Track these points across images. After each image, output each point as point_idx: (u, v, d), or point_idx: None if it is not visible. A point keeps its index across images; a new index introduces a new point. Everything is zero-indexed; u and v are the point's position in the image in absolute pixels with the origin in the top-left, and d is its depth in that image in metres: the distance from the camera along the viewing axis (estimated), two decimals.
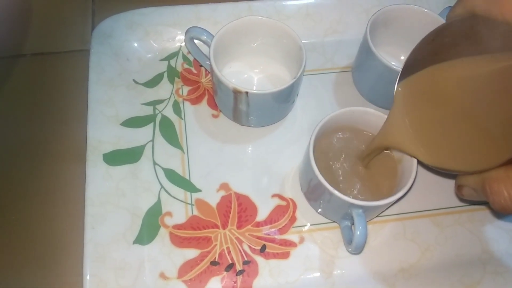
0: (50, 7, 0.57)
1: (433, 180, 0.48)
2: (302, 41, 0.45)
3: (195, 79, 0.52)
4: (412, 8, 0.48)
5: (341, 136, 0.44)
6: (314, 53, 0.55)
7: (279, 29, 0.46)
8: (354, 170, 0.43)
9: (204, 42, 0.46)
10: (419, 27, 0.49)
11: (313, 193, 0.42)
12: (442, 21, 0.47)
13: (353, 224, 0.39)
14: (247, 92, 0.42)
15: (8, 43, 0.54)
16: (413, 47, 0.44)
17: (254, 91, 0.42)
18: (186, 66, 0.53)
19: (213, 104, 0.50)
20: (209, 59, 0.43)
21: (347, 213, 0.40)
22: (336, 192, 0.37)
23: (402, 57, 0.52)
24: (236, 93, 0.42)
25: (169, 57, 0.53)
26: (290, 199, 0.46)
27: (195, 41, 0.48)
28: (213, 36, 0.45)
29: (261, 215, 0.45)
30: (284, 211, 0.45)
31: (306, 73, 0.53)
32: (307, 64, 0.53)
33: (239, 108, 0.45)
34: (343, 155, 0.43)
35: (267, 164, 0.47)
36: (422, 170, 0.48)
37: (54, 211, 0.45)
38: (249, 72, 0.50)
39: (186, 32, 0.46)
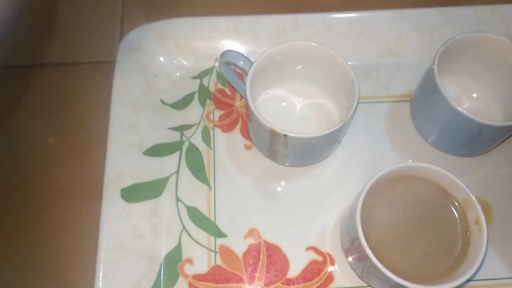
0: (76, 13, 0.52)
1: None
2: (354, 63, 0.38)
3: (229, 102, 0.46)
4: (488, 36, 0.40)
5: (399, 189, 0.37)
6: (366, 78, 0.47)
7: (329, 57, 0.39)
8: (414, 232, 0.36)
9: (240, 68, 0.40)
10: (496, 58, 0.41)
11: (355, 255, 0.36)
12: None
13: None
14: (285, 135, 0.36)
15: (30, 51, 0.49)
16: (489, 79, 0.41)
17: (294, 135, 0.36)
18: (219, 86, 0.47)
19: (246, 133, 0.45)
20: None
21: None
22: (385, 270, 0.31)
23: (475, 95, 0.44)
24: (273, 134, 0.36)
25: (201, 75, 0.48)
26: (328, 254, 0.40)
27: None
28: (251, 63, 0.39)
29: (293, 271, 0.39)
30: (320, 268, 0.39)
31: None
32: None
33: (275, 148, 0.39)
34: (402, 213, 0.36)
35: (304, 210, 0.42)
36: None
37: (67, 250, 0.41)
38: (290, 99, 0.44)
39: (221, 55, 0.40)
